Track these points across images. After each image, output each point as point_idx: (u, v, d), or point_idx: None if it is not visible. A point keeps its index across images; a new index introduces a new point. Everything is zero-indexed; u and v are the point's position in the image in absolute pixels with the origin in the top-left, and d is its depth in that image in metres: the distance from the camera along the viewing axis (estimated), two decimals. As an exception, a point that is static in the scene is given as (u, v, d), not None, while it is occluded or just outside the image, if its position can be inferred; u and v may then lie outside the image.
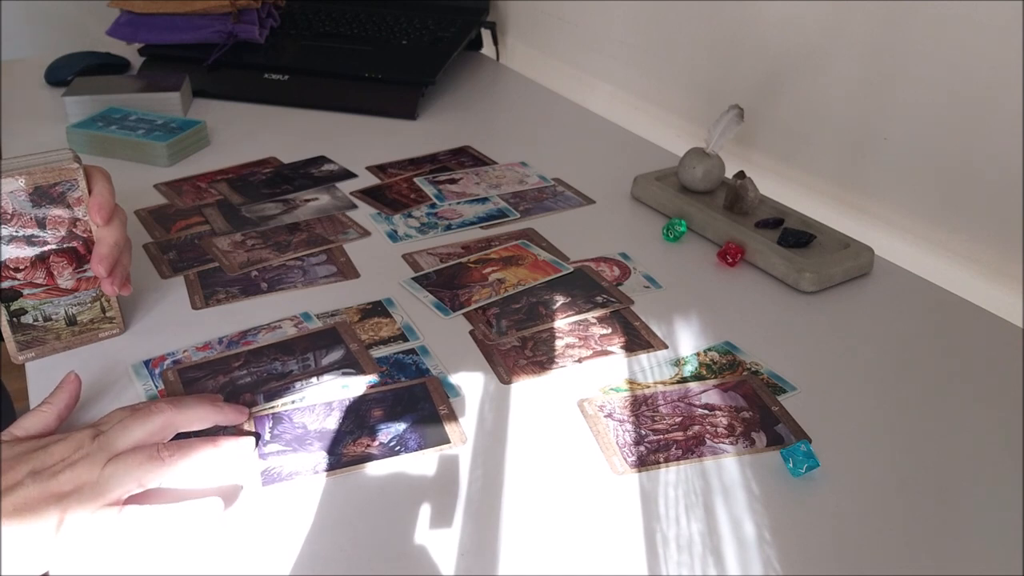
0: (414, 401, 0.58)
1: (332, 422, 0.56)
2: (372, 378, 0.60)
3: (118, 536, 0.46)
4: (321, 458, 0.53)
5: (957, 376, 0.62)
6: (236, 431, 0.55)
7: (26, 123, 1.04)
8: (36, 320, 0.60)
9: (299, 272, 0.73)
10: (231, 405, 0.55)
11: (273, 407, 0.57)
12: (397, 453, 0.53)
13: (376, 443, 0.54)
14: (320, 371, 0.60)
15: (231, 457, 0.52)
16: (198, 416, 0.53)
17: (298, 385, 0.59)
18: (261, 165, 0.94)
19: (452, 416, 0.57)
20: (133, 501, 0.48)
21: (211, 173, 0.91)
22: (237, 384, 0.59)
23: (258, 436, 0.54)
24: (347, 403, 0.57)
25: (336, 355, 0.62)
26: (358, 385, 0.59)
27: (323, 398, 0.58)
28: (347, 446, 0.54)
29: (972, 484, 0.52)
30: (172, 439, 0.52)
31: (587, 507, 0.50)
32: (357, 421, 0.56)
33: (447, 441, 0.55)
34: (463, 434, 0.55)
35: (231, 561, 0.46)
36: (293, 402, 0.57)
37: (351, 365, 0.61)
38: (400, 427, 0.55)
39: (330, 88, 1.12)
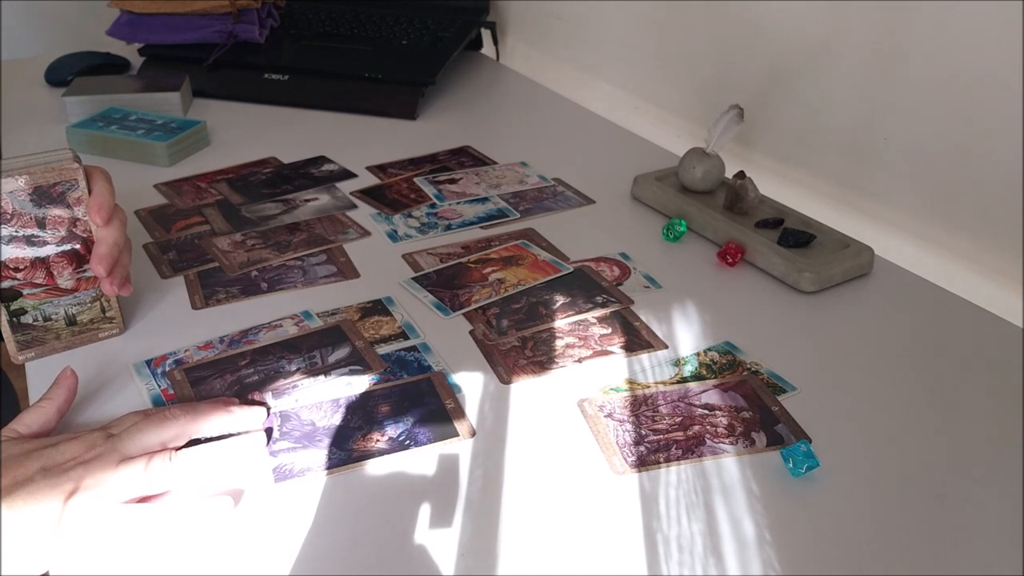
0: (420, 396, 0.58)
1: (340, 418, 0.56)
2: (378, 376, 0.60)
3: (124, 533, 0.46)
4: (331, 454, 0.53)
5: (957, 376, 0.62)
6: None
7: (26, 123, 1.04)
8: (36, 320, 0.60)
9: (299, 272, 0.73)
10: (245, 409, 0.55)
11: (281, 407, 0.57)
12: (407, 447, 0.54)
13: (385, 438, 0.54)
14: (327, 368, 0.60)
15: (243, 453, 0.52)
16: (213, 425, 0.53)
17: (306, 383, 0.59)
18: (261, 165, 0.94)
19: (459, 410, 0.57)
20: (142, 499, 0.48)
21: (211, 173, 0.91)
22: (244, 383, 0.59)
23: (270, 432, 0.55)
24: (354, 399, 0.58)
25: (342, 352, 0.62)
26: (366, 382, 0.59)
27: (330, 395, 0.58)
28: (357, 441, 0.54)
29: (972, 484, 0.52)
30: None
31: (587, 507, 0.50)
32: (365, 417, 0.56)
33: (456, 434, 0.55)
34: (471, 427, 0.56)
35: (244, 558, 0.46)
36: (296, 400, 0.58)
37: (358, 362, 0.61)
38: (408, 421, 0.56)
39: (330, 88, 1.12)
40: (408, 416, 0.56)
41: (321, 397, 0.58)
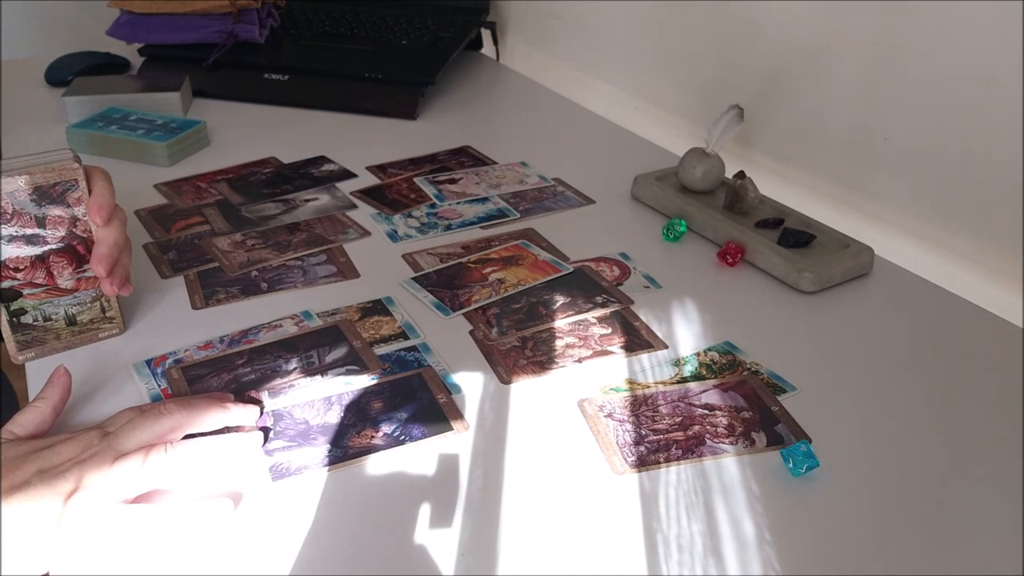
0: (412, 391, 0.58)
1: (333, 416, 0.56)
2: (375, 376, 0.60)
3: (124, 534, 0.46)
4: (327, 451, 0.53)
5: (957, 376, 0.62)
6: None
7: (26, 123, 1.04)
8: (36, 320, 0.60)
9: (299, 272, 0.73)
10: (240, 405, 0.55)
11: (275, 406, 0.57)
12: (402, 443, 0.54)
13: (380, 434, 0.55)
14: (324, 368, 0.60)
15: (241, 449, 0.52)
16: (208, 420, 0.53)
17: (302, 382, 0.59)
18: (261, 165, 0.94)
19: (451, 404, 0.57)
20: (141, 500, 0.48)
21: (211, 173, 0.91)
22: (241, 382, 0.59)
23: (267, 431, 0.55)
24: (346, 397, 0.58)
25: (339, 352, 0.62)
26: (362, 382, 0.59)
27: (322, 393, 0.58)
28: (352, 438, 0.54)
29: (972, 484, 0.52)
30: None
31: (587, 507, 0.50)
32: (358, 414, 0.56)
33: (450, 428, 0.55)
34: (465, 421, 0.56)
35: (244, 558, 0.46)
36: (294, 399, 0.58)
37: (355, 362, 0.61)
38: (402, 417, 0.56)
39: (330, 88, 1.12)
40: (401, 412, 0.57)
41: (316, 396, 0.58)
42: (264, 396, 0.58)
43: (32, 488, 0.44)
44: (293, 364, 0.61)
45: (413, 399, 0.58)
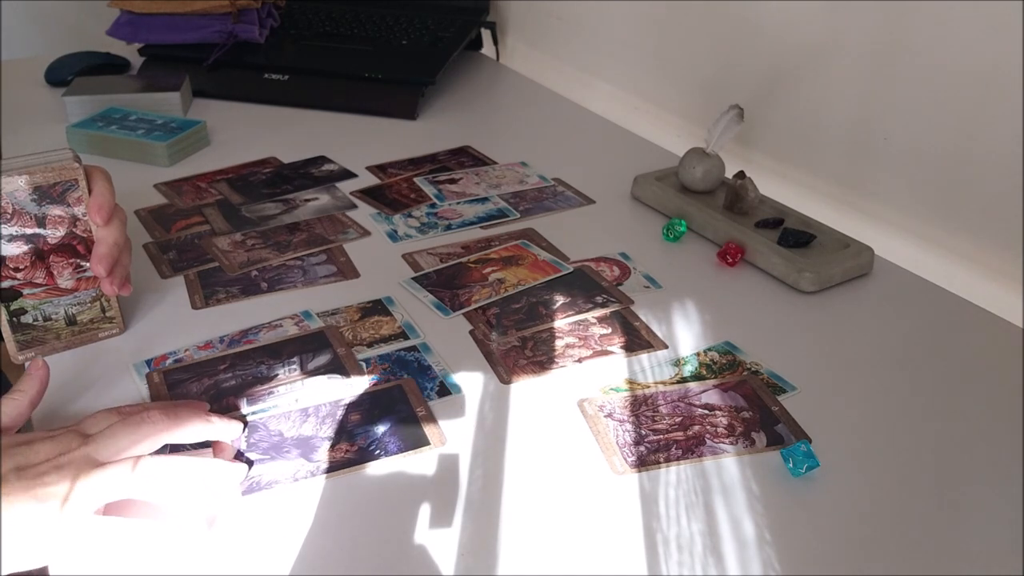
0: (391, 403, 0.57)
1: (309, 428, 0.55)
2: (359, 380, 0.59)
3: (94, 544, 0.45)
4: (300, 465, 0.52)
5: (957, 376, 0.62)
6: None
7: (26, 123, 1.04)
8: (36, 320, 0.60)
9: (299, 272, 0.73)
10: (223, 419, 0.54)
11: (254, 412, 0.56)
12: (377, 457, 0.53)
13: (355, 447, 0.54)
14: (306, 375, 0.60)
15: (219, 478, 0.50)
16: (190, 432, 0.51)
17: (282, 389, 0.58)
18: (261, 165, 0.94)
19: (430, 417, 0.56)
20: (119, 507, 0.47)
21: (211, 173, 0.91)
22: (221, 387, 0.58)
23: (251, 463, 0.53)
24: (323, 408, 0.57)
25: (323, 359, 0.62)
26: (344, 390, 0.58)
27: (301, 400, 0.57)
28: (325, 452, 0.53)
29: (972, 484, 0.52)
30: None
31: (587, 507, 0.50)
32: (335, 426, 0.55)
33: (427, 443, 0.54)
34: (442, 435, 0.55)
35: (244, 558, 0.46)
36: (265, 410, 0.57)
37: (337, 369, 0.61)
38: (379, 430, 0.55)
39: (330, 88, 1.12)
40: (379, 424, 0.55)
41: (295, 405, 0.57)
42: (243, 403, 0.57)
43: (8, 486, 0.44)
44: (275, 370, 0.60)
45: (392, 411, 0.57)
